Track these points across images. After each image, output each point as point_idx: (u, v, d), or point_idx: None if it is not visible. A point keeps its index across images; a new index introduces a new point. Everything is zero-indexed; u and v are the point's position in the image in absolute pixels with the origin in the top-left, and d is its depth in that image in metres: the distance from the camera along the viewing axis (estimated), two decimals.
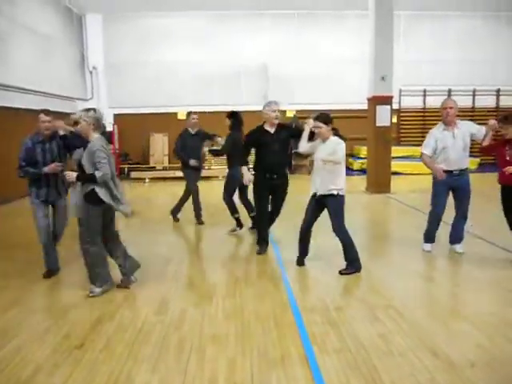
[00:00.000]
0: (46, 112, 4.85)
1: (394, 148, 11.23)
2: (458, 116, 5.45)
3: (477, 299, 4.30)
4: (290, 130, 5.75)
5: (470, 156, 5.73)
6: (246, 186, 6.60)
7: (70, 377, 3.04)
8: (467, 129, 5.38)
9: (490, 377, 2.98)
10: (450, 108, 5.32)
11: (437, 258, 5.55)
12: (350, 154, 15.05)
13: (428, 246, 5.73)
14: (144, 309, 4.17)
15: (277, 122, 5.60)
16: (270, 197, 5.82)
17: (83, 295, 4.45)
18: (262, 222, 5.89)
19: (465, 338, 3.49)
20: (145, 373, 3.08)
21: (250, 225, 7.02)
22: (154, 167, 14.71)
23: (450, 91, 15.42)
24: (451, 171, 5.38)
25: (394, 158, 11.19)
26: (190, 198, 7.61)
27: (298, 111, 14.08)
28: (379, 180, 10.57)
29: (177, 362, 3.21)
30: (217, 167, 13.90)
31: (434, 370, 3.05)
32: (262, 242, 5.86)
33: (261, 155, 5.67)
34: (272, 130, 5.61)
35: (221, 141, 7.20)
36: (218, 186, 7.93)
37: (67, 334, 3.68)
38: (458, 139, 5.32)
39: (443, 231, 5.78)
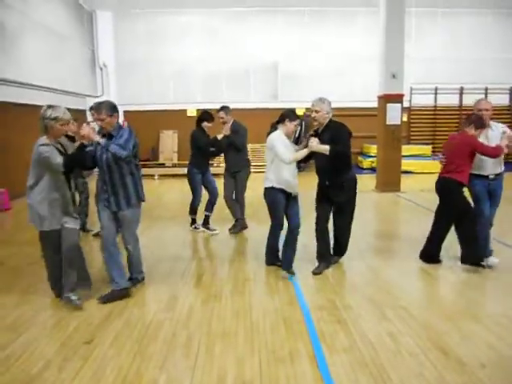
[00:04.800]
0: None
1: (404, 147, 11.17)
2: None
3: (489, 301, 4.25)
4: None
5: None
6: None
7: (79, 372, 3.06)
8: (499, 130, 5.03)
9: (500, 378, 2.95)
10: (486, 110, 4.99)
11: (449, 259, 5.43)
12: (360, 152, 15.05)
13: (494, 259, 5.12)
14: (152, 306, 4.18)
15: (315, 123, 4.90)
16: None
17: (91, 292, 4.47)
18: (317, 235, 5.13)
19: (476, 339, 3.45)
20: (153, 369, 3.09)
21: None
22: (164, 164, 14.75)
23: (462, 89, 15.27)
24: (487, 176, 5.02)
25: (404, 156, 11.13)
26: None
27: (307, 109, 13.98)
28: (389, 179, 10.50)
29: (185, 359, 3.22)
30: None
31: (444, 369, 3.02)
32: (320, 258, 5.13)
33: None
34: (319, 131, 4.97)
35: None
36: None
37: (76, 329, 3.69)
38: (492, 142, 4.95)
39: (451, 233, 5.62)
